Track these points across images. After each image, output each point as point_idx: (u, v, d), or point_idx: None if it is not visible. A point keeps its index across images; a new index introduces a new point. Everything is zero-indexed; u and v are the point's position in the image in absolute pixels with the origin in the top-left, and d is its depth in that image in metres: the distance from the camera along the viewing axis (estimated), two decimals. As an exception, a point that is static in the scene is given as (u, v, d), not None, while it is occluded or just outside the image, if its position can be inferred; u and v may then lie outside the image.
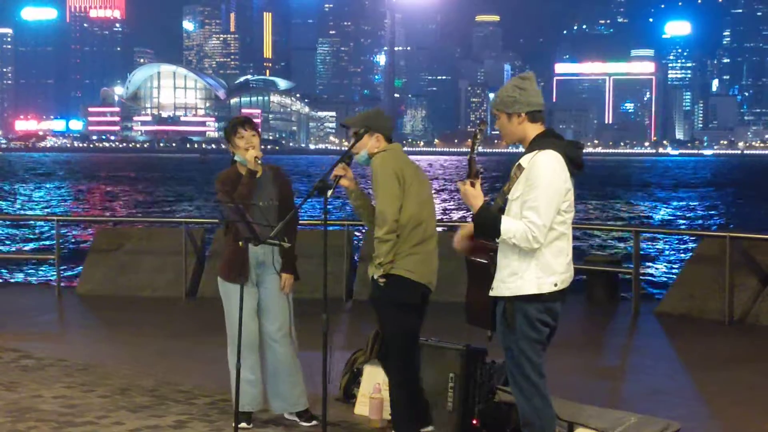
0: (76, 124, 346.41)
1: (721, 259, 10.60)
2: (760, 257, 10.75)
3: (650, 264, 24.97)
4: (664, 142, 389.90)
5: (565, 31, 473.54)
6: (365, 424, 6.40)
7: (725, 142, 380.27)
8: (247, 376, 6.20)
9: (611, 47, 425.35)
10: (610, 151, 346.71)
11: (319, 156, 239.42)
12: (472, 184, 4.51)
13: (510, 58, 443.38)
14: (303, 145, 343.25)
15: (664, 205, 56.34)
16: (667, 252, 28.82)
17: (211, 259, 12.36)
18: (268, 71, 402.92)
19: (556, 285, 4.54)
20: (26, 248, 29.47)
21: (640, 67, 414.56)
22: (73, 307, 12.04)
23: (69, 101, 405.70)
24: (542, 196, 4.44)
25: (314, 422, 6.35)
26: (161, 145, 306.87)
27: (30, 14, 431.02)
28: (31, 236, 32.67)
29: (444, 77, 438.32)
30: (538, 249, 4.49)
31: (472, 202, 4.52)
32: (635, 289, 11.48)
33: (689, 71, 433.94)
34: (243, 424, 6.21)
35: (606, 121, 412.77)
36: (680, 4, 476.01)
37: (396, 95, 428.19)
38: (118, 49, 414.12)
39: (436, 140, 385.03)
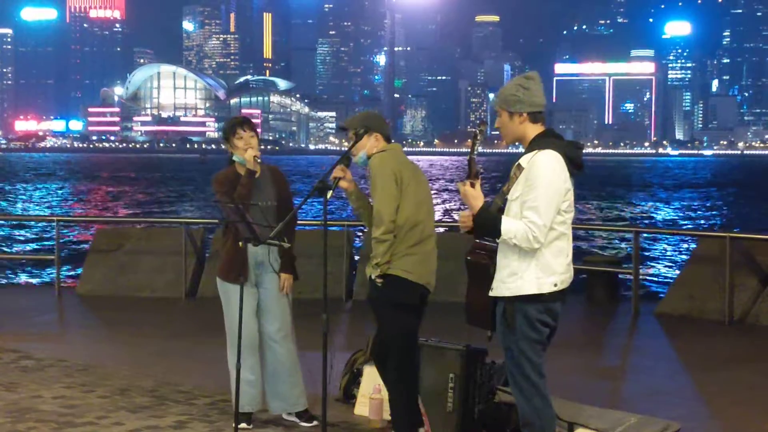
0: (75, 125, 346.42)
1: (721, 259, 10.60)
2: (760, 257, 10.75)
3: (650, 264, 24.98)
4: (664, 142, 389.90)
5: (565, 32, 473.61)
6: (365, 425, 6.40)
7: (725, 143, 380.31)
8: (247, 376, 6.20)
9: (611, 47, 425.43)
10: (610, 151, 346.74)
11: (319, 156, 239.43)
12: (472, 185, 4.51)
13: (510, 59, 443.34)
14: (303, 146, 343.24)
15: (665, 206, 56.36)
16: (667, 252, 28.82)
17: (211, 259, 12.36)
18: (268, 71, 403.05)
19: (555, 285, 4.54)
20: (26, 248, 29.47)
21: (640, 67, 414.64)
22: (72, 307, 12.04)
23: (69, 101, 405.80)
24: (542, 196, 4.43)
25: (314, 422, 6.35)
26: (161, 145, 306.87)
27: (30, 14, 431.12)
28: (31, 236, 32.66)
29: (444, 77, 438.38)
30: (538, 249, 4.49)
31: (472, 202, 4.51)
32: (635, 289, 11.49)
33: (689, 71, 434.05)
34: (243, 425, 6.20)
35: (606, 122, 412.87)
36: (680, 4, 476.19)
37: (396, 95, 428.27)
38: (118, 49, 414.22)
39: (436, 140, 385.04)
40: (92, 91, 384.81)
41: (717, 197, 65.98)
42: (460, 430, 6.02)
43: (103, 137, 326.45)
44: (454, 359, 6.09)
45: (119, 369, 8.13)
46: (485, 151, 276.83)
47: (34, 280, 20.50)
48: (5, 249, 28.75)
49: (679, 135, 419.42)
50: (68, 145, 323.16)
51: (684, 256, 24.73)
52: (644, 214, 48.77)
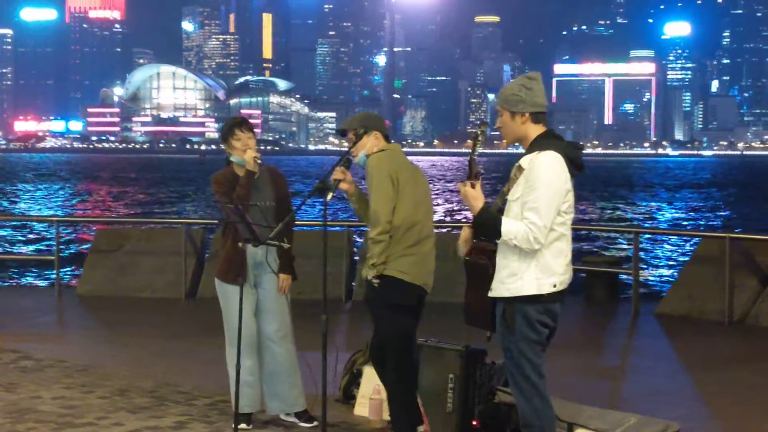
0: (75, 125, 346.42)
1: (721, 259, 10.60)
2: (759, 258, 10.75)
3: (650, 265, 24.98)
4: (664, 142, 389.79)
5: (564, 32, 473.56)
6: (365, 425, 6.40)
7: (725, 143, 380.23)
8: (246, 377, 6.19)
9: (611, 48, 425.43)
10: (610, 151, 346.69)
11: (319, 157, 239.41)
12: (472, 185, 4.51)
13: (509, 59, 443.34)
14: (303, 146, 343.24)
15: (665, 206, 56.35)
16: (667, 252, 28.83)
17: (211, 260, 12.36)
18: (267, 72, 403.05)
19: (555, 286, 4.54)
20: (26, 249, 29.46)
21: (640, 67, 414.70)
22: (72, 307, 12.04)
23: (68, 102, 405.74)
24: (542, 197, 4.43)
25: (314, 423, 6.35)
26: (161, 145, 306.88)
27: (29, 15, 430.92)
28: (31, 237, 32.65)
29: (443, 78, 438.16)
30: (538, 250, 4.49)
31: (472, 203, 4.51)
32: (635, 289, 11.49)
33: (689, 72, 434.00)
34: (242, 425, 6.21)
35: (605, 122, 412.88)
36: (680, 4, 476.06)
37: (395, 96, 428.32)
38: (118, 49, 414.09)
39: (436, 141, 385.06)
40: (92, 92, 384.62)
41: (717, 197, 65.99)
42: (459, 431, 6.02)
43: (103, 138, 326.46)
44: (453, 360, 6.09)
45: (119, 369, 8.12)
46: (485, 151, 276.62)
47: (34, 281, 20.49)
48: (5, 249, 28.75)
49: (678, 135, 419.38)
50: (68, 146, 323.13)
51: (684, 257, 24.73)
52: (645, 215, 48.76)
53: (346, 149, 5.77)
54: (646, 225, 40.70)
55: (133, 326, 10.47)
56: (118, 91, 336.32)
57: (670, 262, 26.11)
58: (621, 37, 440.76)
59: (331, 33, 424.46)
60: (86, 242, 24.33)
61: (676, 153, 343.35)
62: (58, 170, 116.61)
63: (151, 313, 11.31)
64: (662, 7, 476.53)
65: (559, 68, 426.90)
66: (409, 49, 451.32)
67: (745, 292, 10.60)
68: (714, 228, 39.97)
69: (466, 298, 4.83)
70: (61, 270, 13.42)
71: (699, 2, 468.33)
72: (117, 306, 11.79)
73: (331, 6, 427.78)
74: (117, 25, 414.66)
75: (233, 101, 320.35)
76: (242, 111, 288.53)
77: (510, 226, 4.45)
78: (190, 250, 12.49)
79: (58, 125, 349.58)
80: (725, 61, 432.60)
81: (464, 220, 17.62)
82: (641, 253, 20.11)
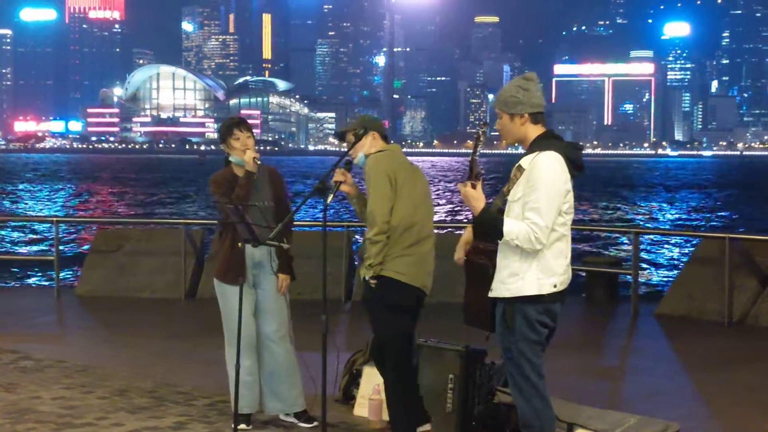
0: (75, 125, 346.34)
1: (721, 260, 10.60)
2: (759, 258, 10.75)
3: (650, 265, 24.99)
4: (664, 143, 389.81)
5: (564, 32, 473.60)
6: (364, 426, 6.40)
7: (724, 143, 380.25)
8: (245, 377, 6.19)
9: (610, 48, 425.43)
10: (610, 152, 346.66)
11: (319, 157, 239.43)
12: (473, 186, 4.51)
13: (509, 59, 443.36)
14: (302, 146, 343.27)
15: (665, 206, 56.36)
16: (666, 253, 28.83)
17: (210, 260, 12.35)
18: (267, 72, 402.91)
19: (555, 286, 4.55)
20: (26, 249, 29.46)
21: (640, 68, 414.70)
22: (72, 308, 12.04)
23: (68, 102, 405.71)
24: (543, 198, 4.44)
25: (314, 423, 6.34)
26: (160, 146, 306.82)
27: (29, 15, 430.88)
28: (31, 237, 32.65)
29: (443, 78, 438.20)
30: (539, 250, 4.49)
31: (473, 204, 4.52)
32: (634, 289, 11.49)
33: (688, 72, 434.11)
34: (242, 426, 6.20)
35: (605, 123, 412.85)
36: (679, 5, 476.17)
37: (395, 96, 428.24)
38: (117, 50, 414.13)
39: (436, 141, 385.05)
40: (91, 92, 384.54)
41: (717, 198, 66.01)
42: (459, 431, 6.02)
43: (103, 138, 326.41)
44: (453, 360, 6.09)
45: (118, 370, 8.12)
46: (485, 151, 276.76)
47: (33, 281, 20.49)
48: (5, 249, 28.74)
49: (678, 136, 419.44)
50: (67, 146, 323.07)
51: (683, 257, 24.73)
52: (646, 215, 48.77)
53: (345, 150, 5.78)
54: (646, 225, 40.73)
55: (133, 326, 10.46)
56: (117, 92, 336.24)
57: (670, 263, 26.11)
58: (620, 37, 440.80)
59: (330, 33, 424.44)
60: (86, 242, 24.33)
61: (676, 153, 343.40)
62: (57, 171, 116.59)
63: (150, 314, 11.31)
64: (662, 7, 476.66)
65: (559, 68, 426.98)
66: (408, 49, 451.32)
67: (745, 292, 10.60)
68: (714, 228, 39.99)
69: (465, 298, 4.84)
70: (61, 270, 13.41)
71: (698, 3, 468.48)
72: (116, 306, 11.79)
73: (330, 6, 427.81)
74: (116, 26, 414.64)
75: (233, 101, 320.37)
76: (242, 111, 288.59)
77: (512, 227, 4.46)
78: (190, 251, 12.49)
79: (57, 125, 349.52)
80: (725, 61, 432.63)
81: (465, 221, 17.63)
82: (641, 254, 20.12)
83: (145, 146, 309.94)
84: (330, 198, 5.33)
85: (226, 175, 6.31)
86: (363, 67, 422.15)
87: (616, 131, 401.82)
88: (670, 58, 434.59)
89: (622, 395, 7.68)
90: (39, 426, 6.33)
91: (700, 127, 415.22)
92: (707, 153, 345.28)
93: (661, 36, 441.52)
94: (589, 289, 12.13)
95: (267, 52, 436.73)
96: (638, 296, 11.60)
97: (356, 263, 12.54)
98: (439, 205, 50.34)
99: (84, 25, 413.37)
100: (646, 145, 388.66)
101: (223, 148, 6.39)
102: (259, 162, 6.23)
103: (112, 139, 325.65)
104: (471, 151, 4.56)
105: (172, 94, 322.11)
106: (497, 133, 4.89)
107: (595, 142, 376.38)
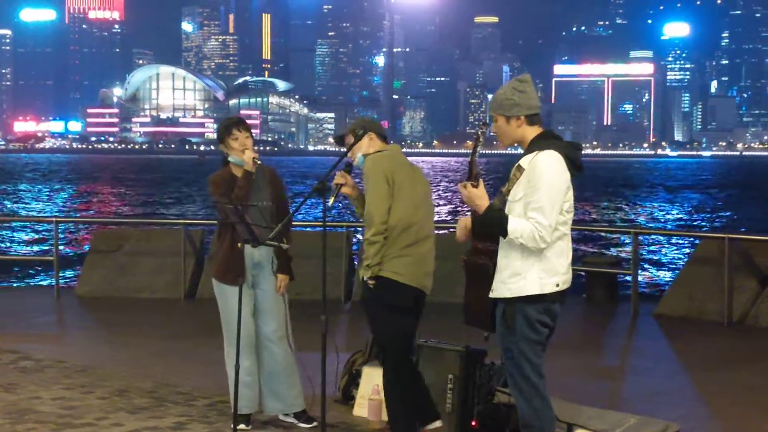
0: (74, 126, 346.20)
1: (720, 260, 10.61)
2: (759, 258, 10.76)
3: (649, 265, 24.99)
4: (663, 143, 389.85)
5: (564, 33, 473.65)
6: (364, 426, 6.40)
7: (724, 144, 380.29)
8: (245, 377, 6.19)
9: (610, 48, 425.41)
10: (609, 152, 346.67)
11: (319, 157, 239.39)
12: (474, 186, 4.52)
13: (509, 60, 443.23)
14: (302, 147, 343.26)
15: (665, 206, 56.37)
16: (666, 253, 28.83)
17: (210, 260, 12.35)
18: (267, 72, 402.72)
19: (558, 285, 4.55)
20: (26, 249, 29.46)
21: (639, 68, 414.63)
22: (72, 308, 12.04)
23: (68, 102, 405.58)
24: (546, 197, 4.45)
25: (313, 423, 6.34)
26: (160, 146, 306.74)
27: (29, 15, 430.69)
28: (31, 238, 32.65)
29: (443, 78, 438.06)
30: (541, 249, 4.50)
31: (477, 202, 4.52)
32: (634, 290, 11.49)
33: (688, 73, 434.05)
34: (242, 426, 6.20)
35: (605, 123, 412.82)
36: (679, 5, 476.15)
37: (395, 96, 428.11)
38: (117, 50, 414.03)
39: (435, 141, 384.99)
40: (91, 92, 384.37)
41: (717, 198, 66.02)
42: (459, 431, 6.01)
43: (102, 138, 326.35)
44: (453, 360, 6.09)
45: (118, 370, 8.12)
46: (485, 152, 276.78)
47: (33, 282, 20.49)
48: (5, 249, 28.74)
49: (678, 136, 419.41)
50: (67, 146, 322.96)
51: (683, 257, 24.74)
52: (645, 215, 48.77)
53: (346, 149, 5.78)
54: (647, 225, 40.73)
55: (133, 327, 10.46)
56: (117, 92, 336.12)
57: (670, 263, 26.12)
58: (620, 37, 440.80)
59: (330, 34, 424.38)
60: (86, 242, 24.32)
61: (675, 154, 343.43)
62: (57, 171, 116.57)
63: (150, 314, 11.31)
64: (661, 7, 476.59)
65: (559, 69, 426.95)
66: (408, 49, 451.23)
67: (745, 292, 10.60)
68: (713, 228, 39.99)
69: (465, 299, 4.83)
70: (61, 270, 13.40)
71: (698, 3, 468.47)
72: (116, 306, 11.79)
73: (330, 7, 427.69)
74: (116, 26, 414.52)
75: (232, 102, 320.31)
76: (241, 111, 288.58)
77: (516, 225, 4.47)
78: (190, 251, 12.49)
79: (57, 126, 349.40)
80: (724, 61, 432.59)
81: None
82: (641, 254, 20.12)
83: (144, 146, 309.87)
84: (332, 200, 5.35)
85: (225, 176, 6.30)
86: (363, 68, 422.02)
87: (616, 131, 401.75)
88: (670, 59, 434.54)
89: (622, 395, 7.67)
90: (39, 426, 6.33)
91: (700, 127, 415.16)
92: (707, 153, 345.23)
93: (661, 36, 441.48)
94: (589, 289, 12.13)
95: (267, 53, 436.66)
96: (638, 296, 11.60)
97: (356, 263, 12.55)
98: (439, 205, 50.34)
99: (84, 26, 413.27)
100: (645, 145, 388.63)
101: (222, 148, 6.38)
102: (259, 162, 6.23)
103: (111, 139, 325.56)
104: (470, 151, 4.57)
105: (172, 94, 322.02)
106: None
107: (595, 143, 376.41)
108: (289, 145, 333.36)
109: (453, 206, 50.60)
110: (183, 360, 8.68)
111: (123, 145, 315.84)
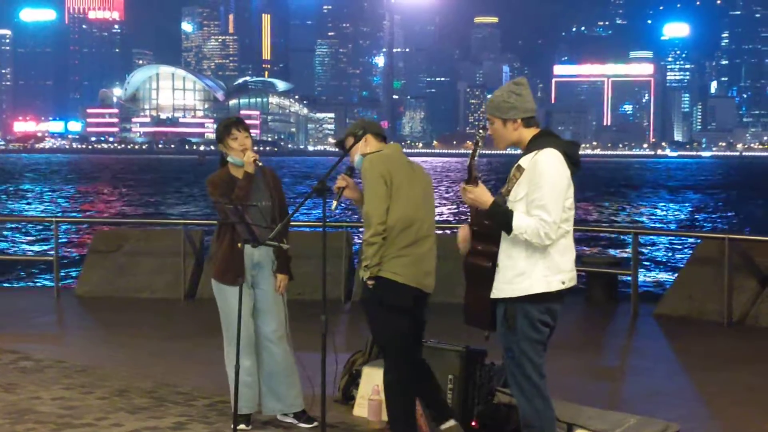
0: (74, 126, 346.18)
1: (720, 260, 10.60)
2: (758, 258, 10.75)
3: (649, 265, 24.98)
4: (663, 143, 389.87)
5: (563, 33, 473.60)
6: (363, 426, 6.40)
7: (724, 144, 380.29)
8: (245, 377, 6.19)
9: (610, 49, 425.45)
10: (609, 152, 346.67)
11: (319, 158, 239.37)
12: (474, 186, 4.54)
13: (509, 60, 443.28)
14: (302, 147, 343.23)
15: (666, 206, 56.38)
16: (666, 253, 28.83)
17: (209, 260, 12.35)
18: (266, 73, 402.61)
19: (564, 283, 4.57)
20: (25, 250, 29.45)
21: (639, 68, 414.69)
22: (71, 308, 12.03)
23: (68, 102, 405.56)
24: (548, 194, 4.47)
25: (313, 423, 6.34)
26: (160, 146, 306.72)
27: (28, 15, 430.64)
28: (30, 238, 32.65)
29: (443, 79, 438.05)
30: (545, 248, 4.51)
31: (481, 200, 4.53)
32: (634, 290, 11.49)
33: (688, 73, 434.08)
34: (242, 426, 6.20)
35: (604, 123, 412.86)
36: (679, 6, 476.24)
37: (395, 97, 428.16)
38: (117, 50, 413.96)
39: (435, 142, 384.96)
40: (91, 92, 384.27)
41: (717, 198, 66.04)
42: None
43: (102, 138, 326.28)
44: (453, 360, 6.09)
45: (118, 370, 8.12)
46: (485, 152, 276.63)
47: (33, 282, 20.49)
48: (4, 250, 28.73)
49: (677, 136, 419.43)
50: (67, 146, 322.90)
51: (683, 258, 24.73)
52: (645, 215, 48.77)
53: (345, 151, 5.78)
54: (647, 225, 40.73)
55: (132, 327, 10.46)
56: (117, 92, 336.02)
57: (670, 263, 26.11)
58: (620, 38, 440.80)
59: (330, 34, 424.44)
60: (86, 243, 24.31)
61: (675, 154, 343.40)
62: (57, 171, 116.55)
63: (150, 314, 11.30)
64: (661, 8, 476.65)
65: (558, 69, 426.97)
66: (408, 49, 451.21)
67: (745, 292, 10.60)
68: (713, 229, 39.99)
69: (465, 299, 4.83)
70: (61, 270, 13.40)
71: (698, 3, 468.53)
72: (116, 307, 11.78)
73: (330, 7, 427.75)
74: (116, 26, 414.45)
75: (232, 102, 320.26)
76: (241, 112, 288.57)
77: (521, 221, 4.48)
78: (189, 251, 12.49)
79: (57, 126, 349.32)
80: (724, 62, 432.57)
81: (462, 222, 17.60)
82: (641, 254, 20.11)
83: (144, 147, 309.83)
84: (335, 205, 5.35)
85: (223, 176, 6.29)
86: (362, 68, 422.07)
87: (616, 132, 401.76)
88: (670, 59, 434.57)
89: (622, 395, 7.67)
90: (39, 426, 6.33)
91: (700, 127, 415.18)
92: (706, 153, 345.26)
93: (661, 37, 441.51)
94: (589, 289, 12.13)
95: (266, 53, 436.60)
96: (638, 296, 11.59)
97: (356, 264, 12.56)
98: (440, 205, 50.33)
99: (83, 26, 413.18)
100: (645, 145, 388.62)
101: (221, 148, 6.36)
102: (260, 163, 6.22)
103: (111, 139, 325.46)
104: (470, 151, 4.58)
105: (172, 94, 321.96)
106: (497, 134, 4.87)
107: (595, 143, 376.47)
108: (289, 146, 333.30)
109: (454, 206, 50.61)
110: (183, 360, 8.67)
111: (123, 146, 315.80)
